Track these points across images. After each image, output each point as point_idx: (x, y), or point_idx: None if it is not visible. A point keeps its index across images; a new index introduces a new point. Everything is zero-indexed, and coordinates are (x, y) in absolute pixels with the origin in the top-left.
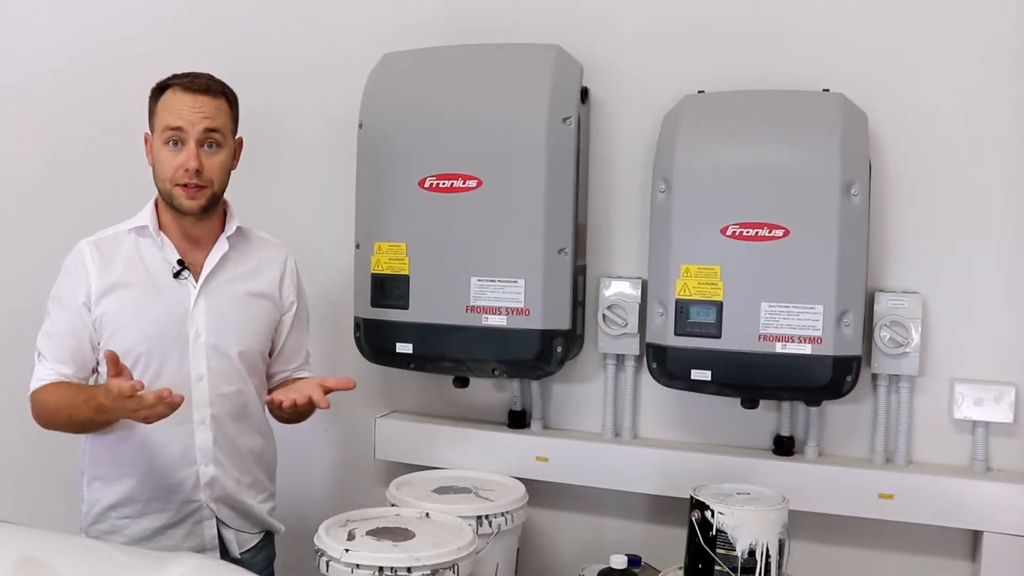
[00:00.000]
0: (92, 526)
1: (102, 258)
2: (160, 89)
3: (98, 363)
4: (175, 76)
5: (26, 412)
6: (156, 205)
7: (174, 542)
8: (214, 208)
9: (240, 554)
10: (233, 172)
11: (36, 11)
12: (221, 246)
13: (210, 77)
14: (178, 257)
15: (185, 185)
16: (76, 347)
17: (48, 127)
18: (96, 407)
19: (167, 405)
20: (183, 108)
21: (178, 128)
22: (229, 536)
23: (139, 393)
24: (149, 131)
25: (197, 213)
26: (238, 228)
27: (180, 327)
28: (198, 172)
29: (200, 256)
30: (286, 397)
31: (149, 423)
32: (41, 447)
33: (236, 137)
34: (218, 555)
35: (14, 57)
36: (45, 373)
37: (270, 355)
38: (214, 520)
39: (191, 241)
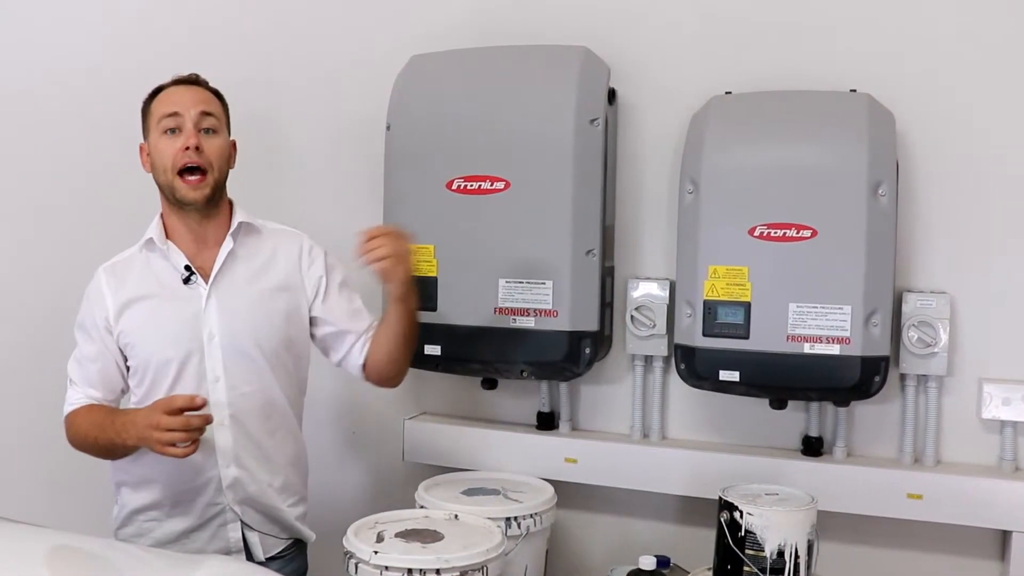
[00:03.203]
0: (120, 529)
1: (116, 280)
2: (151, 96)
3: (127, 385)
4: (163, 83)
5: (58, 419)
6: (162, 216)
7: (199, 545)
8: (217, 200)
9: (265, 559)
10: (260, 175)
11: (65, 22)
12: (226, 245)
13: (198, 75)
14: (185, 263)
15: (186, 172)
16: (102, 371)
17: (84, 138)
18: (121, 427)
19: (190, 446)
20: (176, 98)
21: (174, 113)
22: (253, 539)
23: (188, 414)
24: (144, 139)
25: (202, 204)
26: (246, 224)
27: (195, 330)
28: (198, 149)
29: (210, 259)
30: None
31: (165, 454)
32: (73, 453)
33: (229, 134)
34: (243, 559)
35: (46, 65)
36: (76, 397)
37: (329, 338)
38: (239, 523)
39: (200, 243)
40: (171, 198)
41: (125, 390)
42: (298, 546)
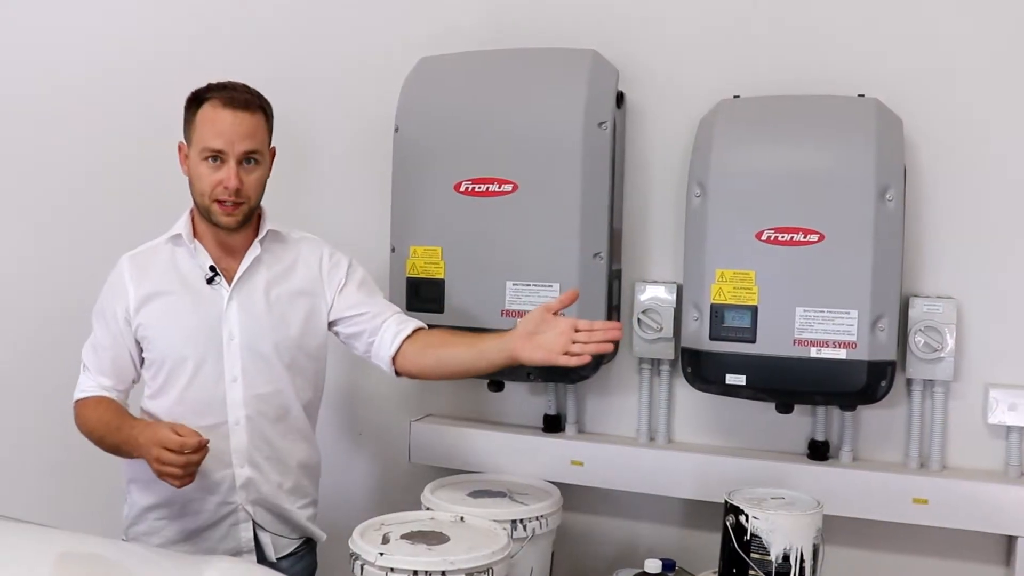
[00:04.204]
0: (131, 527)
1: (139, 271)
2: (197, 101)
3: (138, 375)
4: (212, 87)
5: (67, 416)
6: (192, 214)
7: (210, 544)
8: (250, 220)
9: (277, 559)
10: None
11: (74, 21)
12: (253, 251)
13: (247, 90)
14: (211, 263)
15: (223, 202)
16: (115, 360)
17: (90, 136)
18: (126, 438)
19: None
20: (224, 127)
21: (219, 150)
22: (266, 539)
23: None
24: (184, 141)
25: (234, 228)
26: (273, 232)
27: (214, 330)
28: (238, 191)
29: (234, 262)
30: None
31: (162, 479)
32: (82, 450)
33: (270, 147)
34: (254, 559)
35: (55, 65)
36: (88, 384)
37: (353, 331)
38: (250, 523)
39: (226, 249)
40: (205, 217)
41: (136, 380)
42: (308, 544)
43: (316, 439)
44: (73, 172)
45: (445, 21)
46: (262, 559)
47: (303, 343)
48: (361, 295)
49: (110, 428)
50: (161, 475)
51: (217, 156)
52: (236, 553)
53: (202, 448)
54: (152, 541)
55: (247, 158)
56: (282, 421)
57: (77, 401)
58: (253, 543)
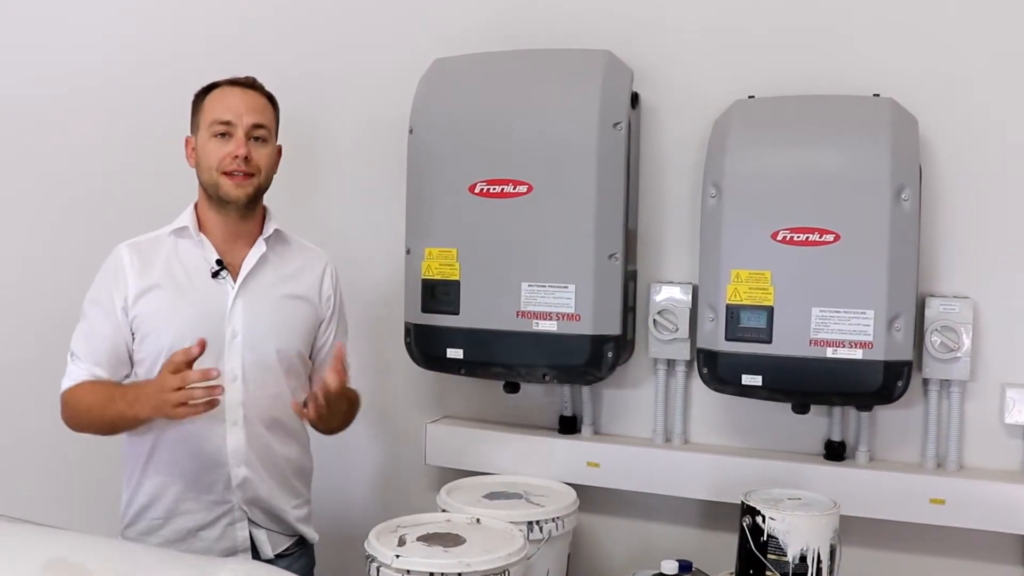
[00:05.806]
0: (128, 527)
1: (140, 260)
2: (205, 91)
3: (132, 367)
4: (218, 81)
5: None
6: (196, 208)
7: (206, 544)
8: (257, 203)
9: (274, 555)
10: (283, 178)
11: (87, 20)
12: (259, 247)
13: (254, 80)
14: (217, 257)
15: (232, 174)
16: (112, 350)
17: (99, 138)
18: (131, 400)
19: (205, 402)
20: (232, 102)
21: (227, 122)
22: (261, 537)
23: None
24: (192, 135)
25: (243, 203)
26: (277, 231)
27: (217, 327)
28: (247, 159)
29: (239, 257)
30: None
31: (179, 417)
32: (79, 451)
33: (276, 139)
34: (250, 557)
35: (67, 66)
36: (78, 373)
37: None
38: (246, 521)
39: (231, 241)
40: (213, 195)
41: (128, 375)
42: (303, 544)
43: (308, 442)
44: (83, 173)
45: (459, 22)
46: (257, 558)
47: (300, 347)
48: (330, 341)
49: (112, 398)
50: (176, 409)
51: (226, 131)
52: (232, 552)
53: (209, 376)
54: (150, 541)
55: (255, 135)
56: (278, 423)
57: (67, 390)
58: (249, 542)
